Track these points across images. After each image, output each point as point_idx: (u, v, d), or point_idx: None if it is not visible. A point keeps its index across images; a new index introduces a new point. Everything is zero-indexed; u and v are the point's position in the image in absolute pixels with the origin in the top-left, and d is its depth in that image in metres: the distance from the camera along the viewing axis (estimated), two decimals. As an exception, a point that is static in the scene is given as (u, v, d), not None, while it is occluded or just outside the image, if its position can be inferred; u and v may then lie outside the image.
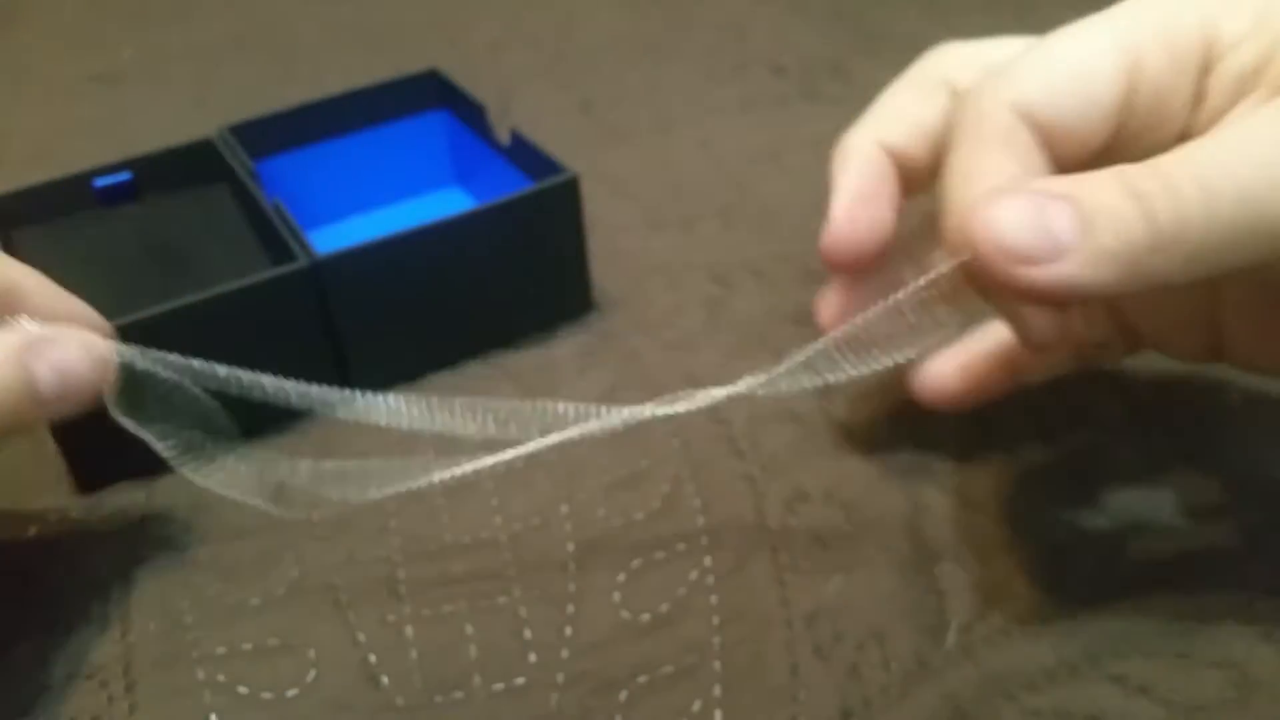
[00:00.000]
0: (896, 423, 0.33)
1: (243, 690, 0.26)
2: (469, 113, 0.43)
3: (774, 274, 0.40)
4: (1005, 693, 0.25)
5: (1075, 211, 0.22)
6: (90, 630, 0.28)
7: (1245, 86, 0.24)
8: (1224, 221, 0.21)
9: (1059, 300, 0.23)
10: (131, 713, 0.26)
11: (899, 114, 0.29)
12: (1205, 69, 0.25)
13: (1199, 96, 0.25)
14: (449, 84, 0.43)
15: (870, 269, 0.29)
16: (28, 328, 0.27)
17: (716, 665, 0.26)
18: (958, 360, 0.30)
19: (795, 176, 0.46)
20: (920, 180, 0.29)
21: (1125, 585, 0.27)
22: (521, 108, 0.54)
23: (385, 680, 0.26)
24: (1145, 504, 0.30)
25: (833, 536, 0.29)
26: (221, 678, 0.27)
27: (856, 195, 0.28)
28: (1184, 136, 0.25)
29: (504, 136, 0.40)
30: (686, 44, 0.60)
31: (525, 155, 0.39)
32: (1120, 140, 0.26)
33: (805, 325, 0.37)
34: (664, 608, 0.28)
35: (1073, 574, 0.28)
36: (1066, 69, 0.25)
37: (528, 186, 0.36)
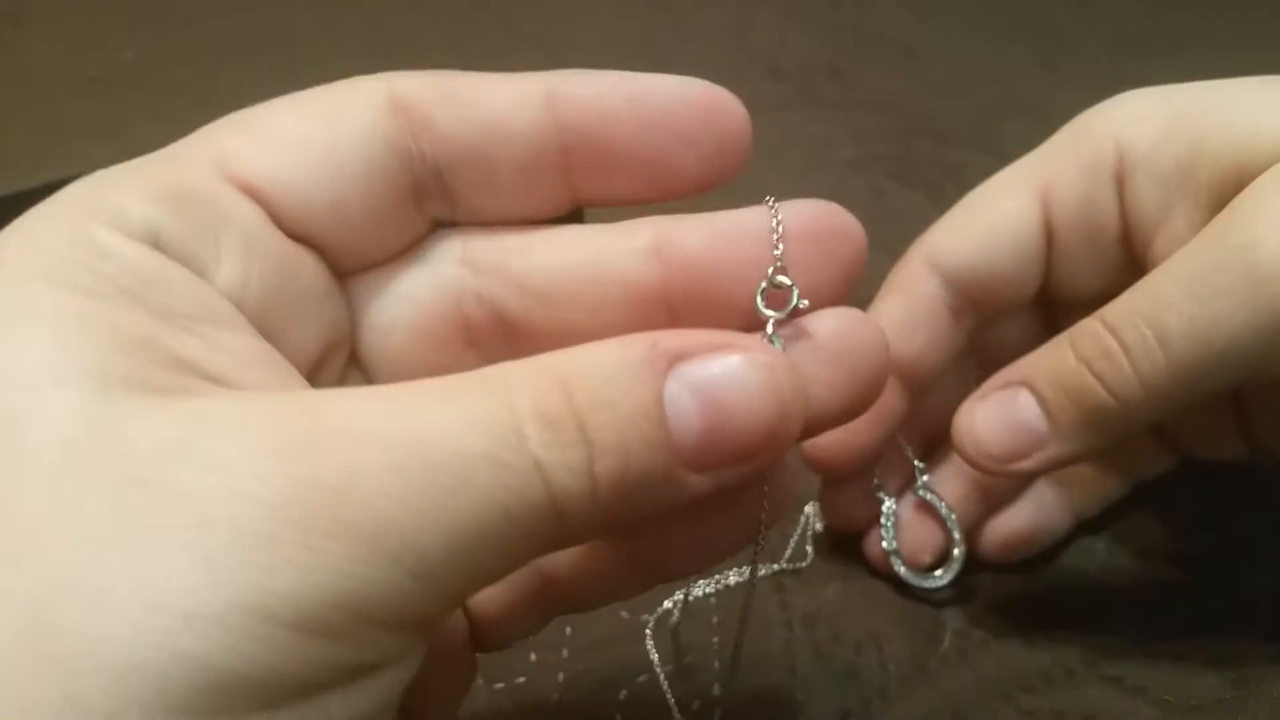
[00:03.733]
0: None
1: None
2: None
3: (773, 276, 0.40)
4: (1002, 694, 0.25)
5: (1037, 398, 0.23)
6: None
7: (1170, 195, 0.24)
8: (1185, 360, 0.21)
9: (1055, 470, 0.24)
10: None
11: (885, 318, 0.27)
12: (1121, 176, 0.25)
13: (1126, 208, 0.25)
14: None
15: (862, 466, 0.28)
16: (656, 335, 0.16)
17: (716, 665, 0.26)
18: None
19: (794, 178, 0.46)
20: (928, 378, 0.27)
21: (1122, 587, 0.28)
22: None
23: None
24: (1141, 509, 0.30)
25: (831, 541, 0.30)
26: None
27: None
28: (1126, 250, 0.26)
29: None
30: (685, 47, 0.60)
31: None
32: (1061, 267, 0.26)
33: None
34: (663, 608, 0.28)
35: (1069, 576, 0.28)
36: (976, 223, 0.26)
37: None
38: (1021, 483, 0.28)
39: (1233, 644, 0.26)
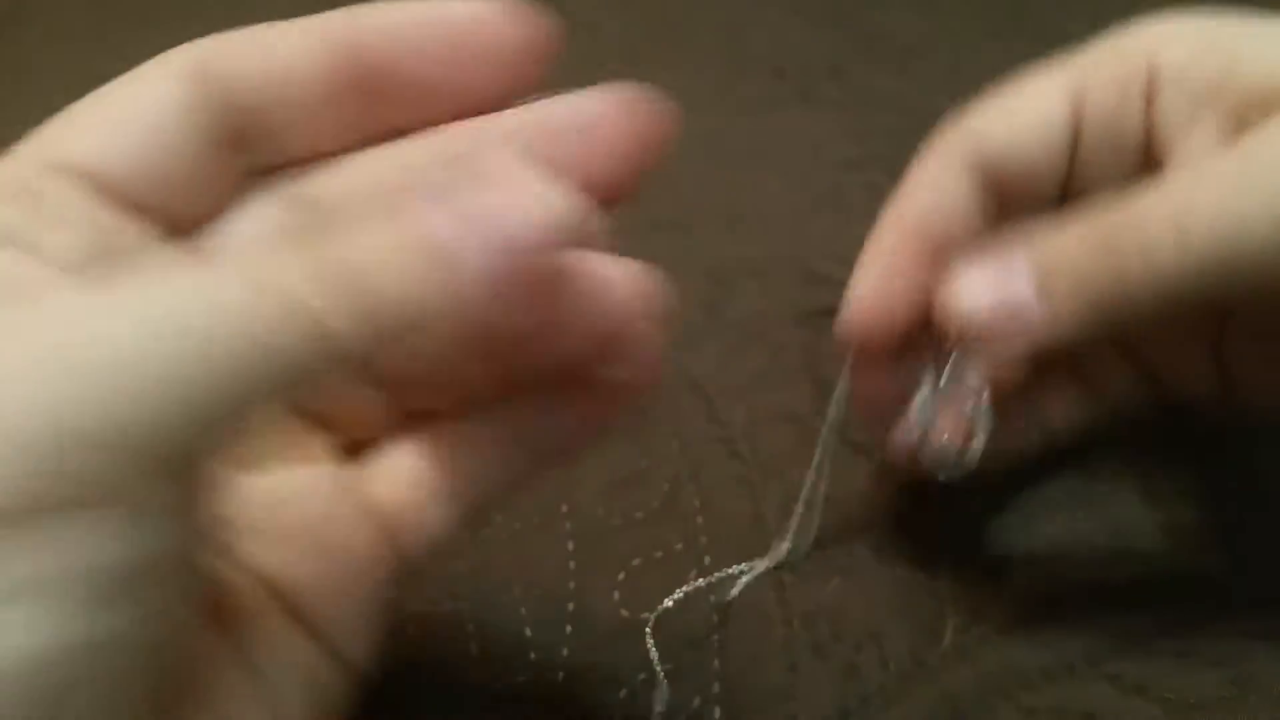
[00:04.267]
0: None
1: (244, 688, 0.26)
2: (469, 114, 0.43)
3: (773, 274, 0.40)
4: (1002, 692, 0.25)
5: (1036, 271, 0.23)
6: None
7: (1200, 109, 0.24)
8: (1201, 257, 0.21)
9: (1040, 351, 0.24)
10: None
11: (922, 195, 0.27)
12: (1151, 94, 0.25)
13: (1151, 121, 0.25)
14: (450, 86, 0.44)
15: (896, 348, 0.27)
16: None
17: (715, 663, 0.26)
18: None
19: (794, 178, 0.46)
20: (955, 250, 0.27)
21: (1122, 585, 0.28)
22: (522, 110, 0.54)
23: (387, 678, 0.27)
24: (1142, 505, 0.30)
25: (830, 538, 0.30)
26: (223, 676, 0.27)
27: (873, 284, 0.26)
28: (1145, 161, 0.26)
29: (504, 138, 0.40)
30: (685, 46, 0.60)
31: (525, 157, 0.39)
32: (1081, 171, 0.26)
33: (804, 326, 0.38)
34: (664, 606, 0.28)
35: (1070, 574, 0.28)
36: (1010, 111, 0.26)
37: (528, 188, 0.36)
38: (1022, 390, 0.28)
39: (1234, 642, 0.26)
